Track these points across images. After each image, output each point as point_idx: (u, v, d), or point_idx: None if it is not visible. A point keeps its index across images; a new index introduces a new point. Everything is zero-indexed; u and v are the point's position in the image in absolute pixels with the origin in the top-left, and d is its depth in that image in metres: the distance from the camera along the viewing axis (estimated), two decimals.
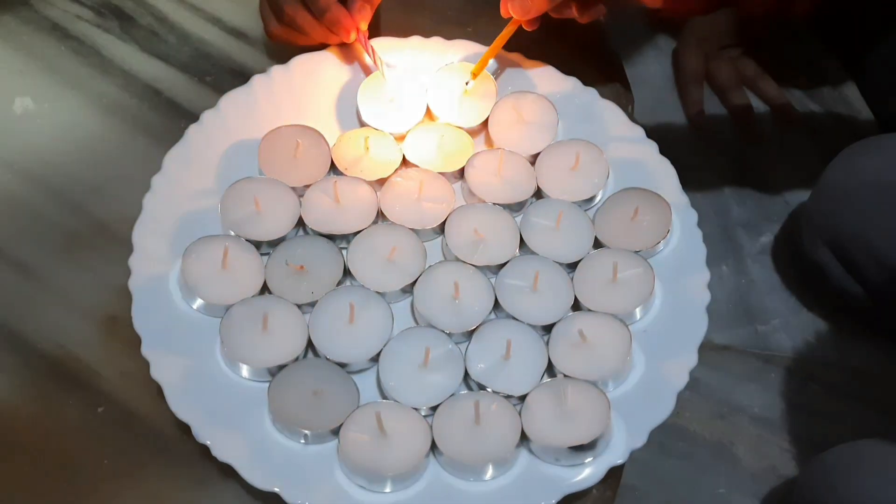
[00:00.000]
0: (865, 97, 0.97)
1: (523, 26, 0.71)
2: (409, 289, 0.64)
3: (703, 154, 0.93)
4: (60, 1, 0.79)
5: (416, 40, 0.75)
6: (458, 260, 0.66)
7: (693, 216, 0.69)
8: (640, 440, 0.60)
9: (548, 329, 0.64)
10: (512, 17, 0.71)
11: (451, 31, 0.77)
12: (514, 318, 0.64)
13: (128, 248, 0.63)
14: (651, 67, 0.96)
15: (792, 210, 0.90)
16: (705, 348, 0.66)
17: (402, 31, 0.76)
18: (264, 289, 0.64)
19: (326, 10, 0.72)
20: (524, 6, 0.69)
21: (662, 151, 0.72)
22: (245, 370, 0.60)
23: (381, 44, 0.75)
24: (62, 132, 0.72)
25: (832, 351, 0.86)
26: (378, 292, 0.64)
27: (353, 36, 0.73)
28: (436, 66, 0.74)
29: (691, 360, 0.63)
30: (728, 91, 0.94)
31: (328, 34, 0.73)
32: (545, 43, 0.72)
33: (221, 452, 0.57)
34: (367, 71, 0.73)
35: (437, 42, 0.75)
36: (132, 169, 0.69)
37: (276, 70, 0.72)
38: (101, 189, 0.70)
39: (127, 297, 0.62)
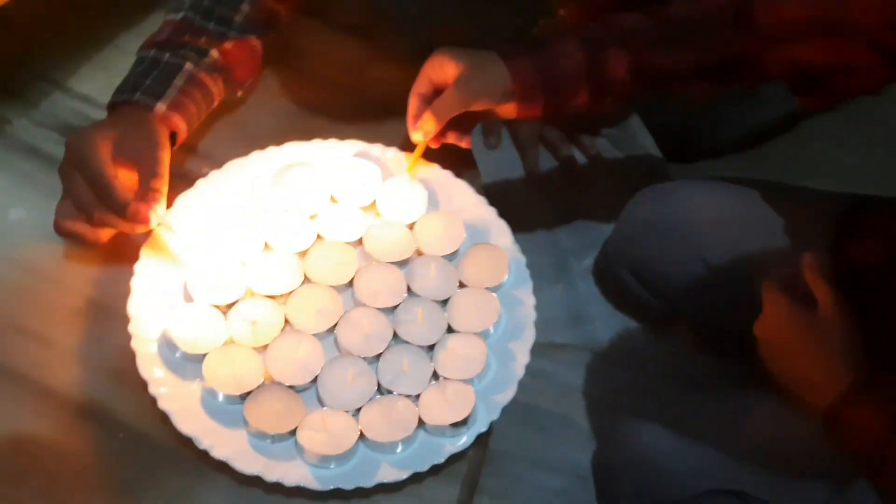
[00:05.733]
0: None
1: (431, 145, 0.84)
2: (332, 329, 0.78)
3: (537, 199, 1.06)
4: (33, 127, 0.90)
5: (317, 142, 0.88)
6: (365, 305, 0.79)
7: (523, 259, 0.83)
8: (495, 415, 0.75)
9: (431, 348, 0.78)
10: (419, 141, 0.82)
11: (343, 130, 0.88)
12: (408, 343, 0.78)
13: (125, 318, 0.77)
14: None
15: (606, 239, 1.03)
16: (548, 347, 0.82)
17: (305, 135, 0.88)
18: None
19: (126, 205, 0.73)
20: (425, 131, 0.81)
21: (501, 214, 0.85)
22: (221, 397, 0.74)
23: (289, 149, 0.85)
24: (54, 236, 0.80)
25: (638, 341, 1.01)
26: (312, 334, 0.78)
27: (154, 222, 0.75)
28: (335, 161, 0.86)
29: (526, 358, 0.78)
30: (557, 147, 1.08)
31: (133, 225, 0.75)
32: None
33: (217, 452, 0.71)
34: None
35: (333, 142, 0.88)
36: (119, 256, 0.80)
37: (231, 165, 0.84)
38: (96, 273, 0.81)
39: (131, 353, 0.75)
